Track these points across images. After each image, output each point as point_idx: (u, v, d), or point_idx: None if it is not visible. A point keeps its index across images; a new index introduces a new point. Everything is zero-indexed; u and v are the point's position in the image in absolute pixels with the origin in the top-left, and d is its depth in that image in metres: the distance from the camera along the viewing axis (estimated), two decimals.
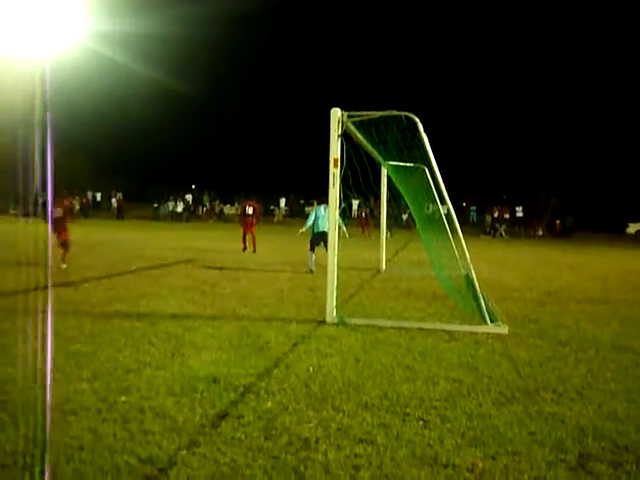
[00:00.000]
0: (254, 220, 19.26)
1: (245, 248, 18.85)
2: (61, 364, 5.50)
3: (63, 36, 38.38)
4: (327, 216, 13.70)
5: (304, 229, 14.25)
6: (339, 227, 13.97)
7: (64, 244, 13.53)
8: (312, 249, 13.76)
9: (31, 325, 7.00)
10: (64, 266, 12.89)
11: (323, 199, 14.46)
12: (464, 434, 4.16)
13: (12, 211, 43.74)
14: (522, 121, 56.63)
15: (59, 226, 13.72)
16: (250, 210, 19.29)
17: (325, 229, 13.61)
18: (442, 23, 62.63)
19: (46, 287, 9.76)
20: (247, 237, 18.96)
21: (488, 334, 7.45)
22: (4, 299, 8.94)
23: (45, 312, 7.54)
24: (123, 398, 4.66)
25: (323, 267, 8.81)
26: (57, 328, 6.90)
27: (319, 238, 13.61)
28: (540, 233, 38.53)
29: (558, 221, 39.49)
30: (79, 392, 4.76)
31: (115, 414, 4.32)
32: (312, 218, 13.86)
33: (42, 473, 3.37)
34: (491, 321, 7.76)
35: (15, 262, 13.20)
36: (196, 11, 52.32)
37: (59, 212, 13.84)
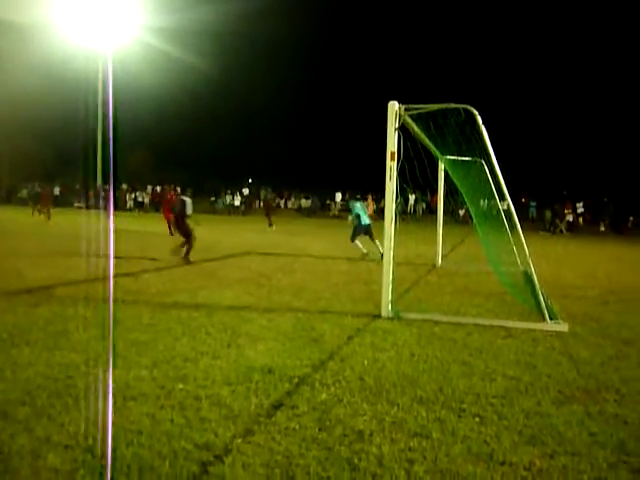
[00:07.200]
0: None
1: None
2: (121, 351, 5.66)
3: (121, 31, 39.66)
4: (365, 210, 15.82)
5: (351, 219, 16.19)
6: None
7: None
8: (353, 240, 15.48)
9: (93, 313, 7.23)
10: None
11: (355, 195, 17.44)
12: (521, 432, 4.07)
13: (77, 204, 45.22)
14: (583, 114, 55.05)
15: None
16: None
17: (369, 222, 15.61)
18: (500, 14, 61.42)
19: (107, 277, 10.03)
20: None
21: (547, 332, 7.27)
22: (68, 287, 9.25)
23: (106, 301, 7.76)
24: (180, 386, 4.75)
25: (378, 262, 8.76)
26: (117, 316, 7.10)
27: (363, 230, 15.35)
28: (602, 229, 37.13)
29: (631, 218, 37.75)
30: (138, 379, 4.88)
31: (173, 401, 4.41)
32: (355, 212, 15.53)
33: (103, 455, 3.47)
34: (550, 319, 7.57)
35: (79, 253, 13.64)
36: (250, 6, 53.02)
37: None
